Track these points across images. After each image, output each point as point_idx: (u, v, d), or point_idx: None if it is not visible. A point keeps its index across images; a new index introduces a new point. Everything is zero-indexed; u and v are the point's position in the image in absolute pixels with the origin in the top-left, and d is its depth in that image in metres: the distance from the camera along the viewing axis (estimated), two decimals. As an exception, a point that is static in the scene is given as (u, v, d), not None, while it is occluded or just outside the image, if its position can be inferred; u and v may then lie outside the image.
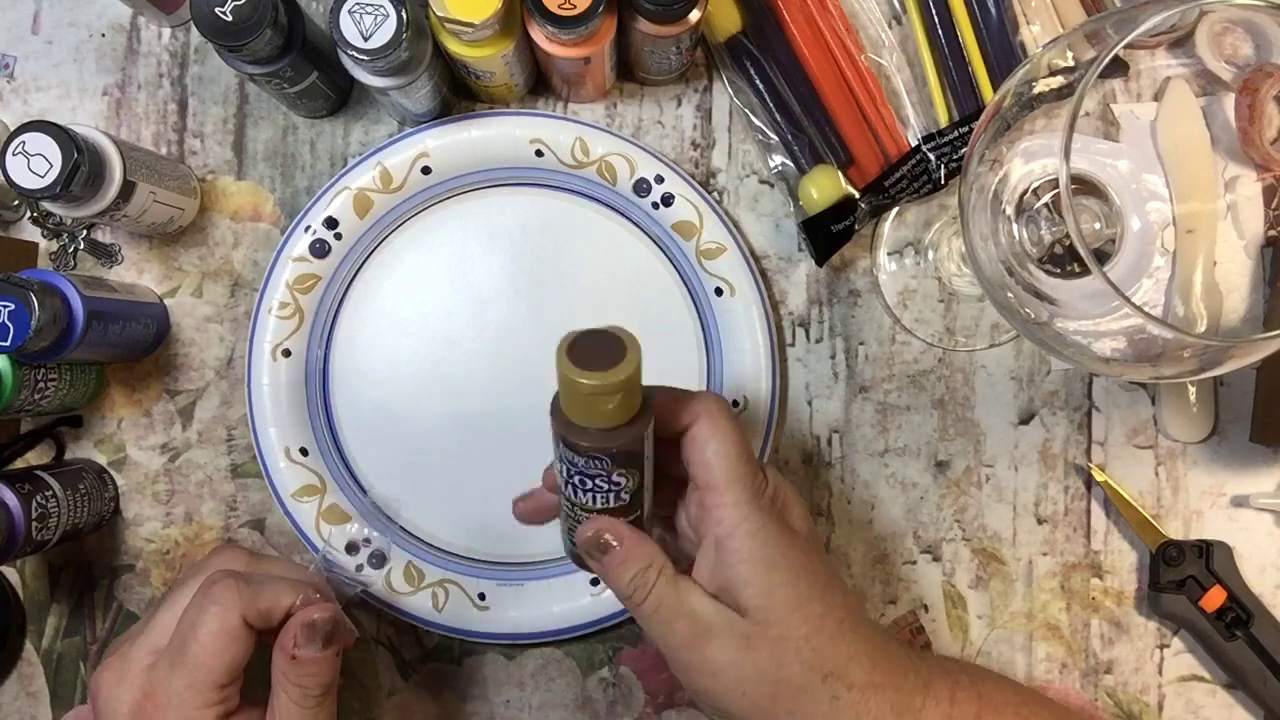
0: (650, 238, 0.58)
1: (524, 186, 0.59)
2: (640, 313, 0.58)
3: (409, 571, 0.57)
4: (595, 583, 0.58)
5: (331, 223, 0.57)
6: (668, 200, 0.57)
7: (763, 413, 0.57)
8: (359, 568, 0.57)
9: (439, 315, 0.58)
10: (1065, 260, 0.48)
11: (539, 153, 0.57)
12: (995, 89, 0.57)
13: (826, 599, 0.43)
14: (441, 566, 0.58)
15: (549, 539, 0.58)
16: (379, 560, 0.57)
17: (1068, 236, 0.39)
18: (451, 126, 0.57)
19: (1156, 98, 0.55)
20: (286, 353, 0.57)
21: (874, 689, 0.43)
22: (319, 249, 0.57)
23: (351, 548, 0.57)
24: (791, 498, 0.45)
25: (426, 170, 0.57)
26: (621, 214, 0.58)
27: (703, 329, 0.58)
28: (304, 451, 0.57)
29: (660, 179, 0.57)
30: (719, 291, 0.57)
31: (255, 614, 0.45)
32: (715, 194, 0.59)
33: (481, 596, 0.58)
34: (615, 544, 0.42)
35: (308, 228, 0.57)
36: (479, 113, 0.58)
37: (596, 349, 0.39)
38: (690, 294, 0.58)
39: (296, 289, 0.57)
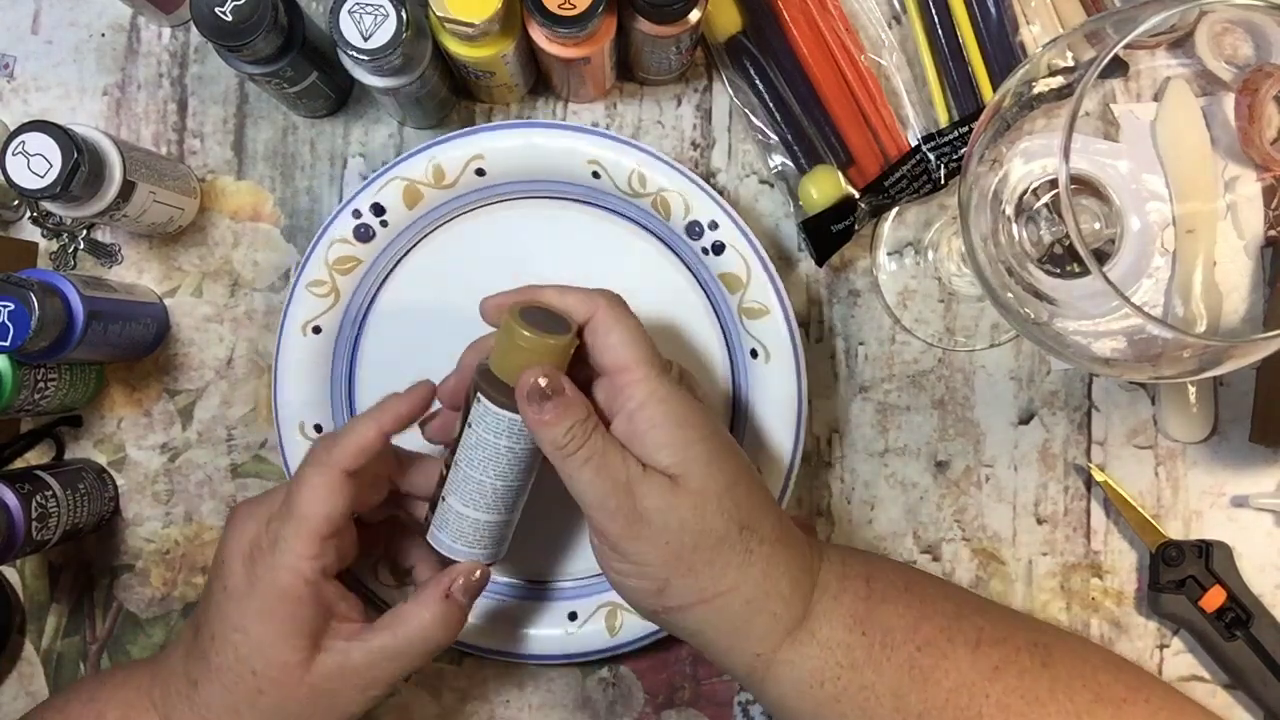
0: (698, 281, 0.57)
1: (579, 204, 0.58)
2: (674, 353, 0.55)
3: (396, 565, 0.57)
4: (573, 617, 0.57)
5: (379, 209, 0.56)
6: (718, 249, 0.55)
7: (779, 480, 0.56)
8: None
9: (475, 316, 0.55)
10: (1065, 260, 0.48)
11: (595, 174, 0.56)
12: (995, 89, 0.57)
13: (737, 458, 0.46)
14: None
15: (535, 561, 0.58)
16: None
17: (1068, 236, 0.39)
18: (510, 132, 0.56)
19: (1156, 98, 0.55)
20: (317, 329, 0.57)
21: (780, 544, 0.46)
22: (363, 233, 0.57)
23: None
24: (691, 379, 0.49)
25: (480, 172, 0.56)
26: (673, 250, 0.57)
27: (733, 387, 0.57)
28: (318, 428, 0.57)
29: (715, 225, 0.55)
30: (754, 354, 0.56)
31: (349, 458, 0.47)
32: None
33: None
34: (556, 393, 0.44)
35: (355, 211, 0.56)
36: (541, 122, 0.57)
37: (544, 320, 0.45)
38: (729, 350, 0.57)
39: (336, 269, 0.57)
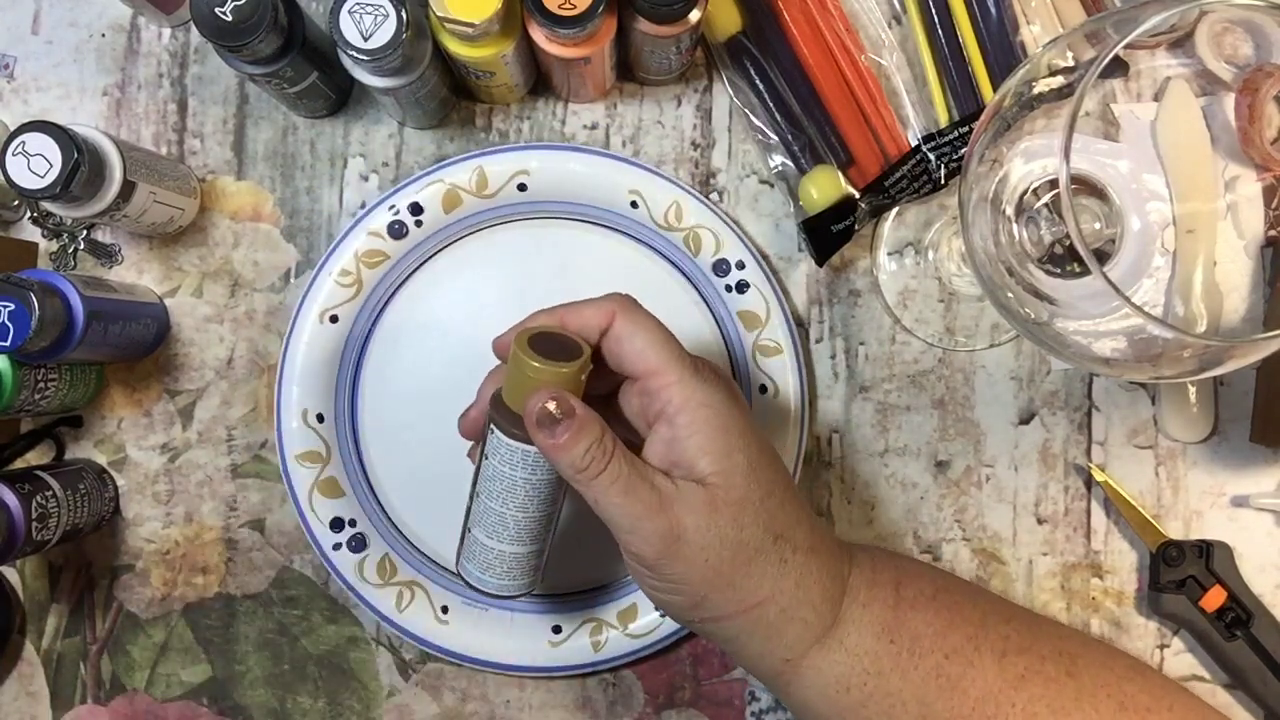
0: (715, 319, 0.58)
1: (612, 232, 0.58)
2: None
3: (383, 565, 0.58)
4: (557, 630, 0.58)
5: (416, 209, 0.57)
6: (742, 287, 0.57)
7: None
8: (337, 546, 0.57)
9: (490, 328, 0.53)
10: (1065, 260, 0.48)
11: (634, 204, 0.57)
12: (995, 89, 0.57)
13: (775, 464, 0.45)
14: (414, 567, 0.58)
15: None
16: (358, 544, 0.57)
17: (1068, 236, 0.39)
18: (557, 154, 0.57)
19: (1156, 98, 0.55)
20: (334, 318, 0.57)
21: (813, 553, 0.45)
22: (396, 230, 0.57)
23: (336, 524, 0.57)
24: (726, 373, 0.47)
25: (522, 187, 0.57)
26: (694, 285, 0.58)
27: None
28: (320, 418, 0.58)
29: (741, 265, 0.57)
30: (763, 389, 0.57)
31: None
32: (715, 194, 0.59)
33: (444, 610, 0.58)
34: (567, 415, 0.42)
35: (392, 207, 0.57)
36: (588, 148, 0.58)
37: (554, 346, 0.43)
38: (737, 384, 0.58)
39: (364, 261, 0.57)
